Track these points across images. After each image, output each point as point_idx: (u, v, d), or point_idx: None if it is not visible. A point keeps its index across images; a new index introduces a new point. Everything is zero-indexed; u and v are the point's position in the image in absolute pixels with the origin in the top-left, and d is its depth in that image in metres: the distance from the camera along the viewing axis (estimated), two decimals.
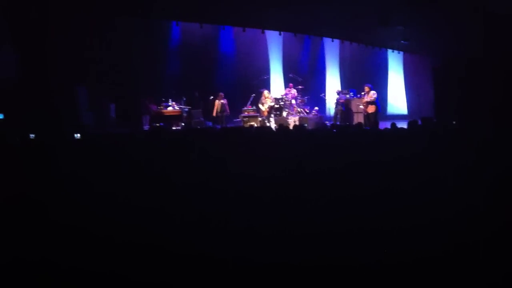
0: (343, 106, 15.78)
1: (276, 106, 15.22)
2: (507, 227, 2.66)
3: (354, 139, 6.18)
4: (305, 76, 17.63)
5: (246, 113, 15.00)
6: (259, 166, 4.00)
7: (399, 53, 21.36)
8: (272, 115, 15.08)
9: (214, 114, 15.05)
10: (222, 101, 15.02)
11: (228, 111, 15.09)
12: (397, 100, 21.49)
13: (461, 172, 3.82)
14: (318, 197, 3.28)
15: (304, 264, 2.42)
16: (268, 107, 15.18)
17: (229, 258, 2.49)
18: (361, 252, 2.51)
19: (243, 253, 2.56)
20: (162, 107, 14.16)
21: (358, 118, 14.73)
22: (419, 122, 8.13)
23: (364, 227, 2.78)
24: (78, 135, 9.20)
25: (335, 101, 16.21)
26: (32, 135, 9.13)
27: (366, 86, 14.17)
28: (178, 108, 14.27)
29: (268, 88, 16.61)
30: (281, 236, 2.71)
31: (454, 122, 9.84)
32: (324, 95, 17.75)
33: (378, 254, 2.47)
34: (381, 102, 15.84)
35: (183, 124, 14.13)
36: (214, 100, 15.11)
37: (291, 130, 7.84)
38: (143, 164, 4.32)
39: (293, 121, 14.53)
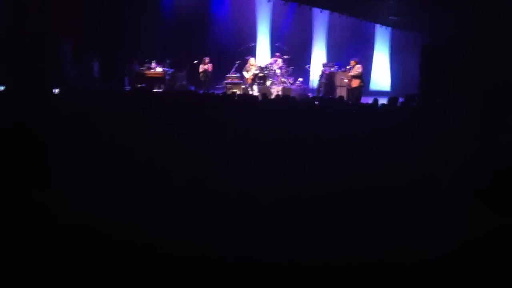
0: (327, 79, 15.75)
1: (261, 74, 15.10)
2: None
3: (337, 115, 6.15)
4: (292, 46, 17.44)
5: (229, 79, 14.89)
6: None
7: (386, 28, 21.26)
8: (256, 84, 14.97)
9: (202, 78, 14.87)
10: (205, 66, 14.82)
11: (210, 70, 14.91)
12: (381, 76, 21.51)
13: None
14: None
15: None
16: (252, 75, 15.05)
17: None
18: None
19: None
20: (144, 68, 13.95)
21: (341, 92, 14.72)
22: (400, 100, 8.19)
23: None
24: (57, 90, 8.97)
25: (320, 73, 16.16)
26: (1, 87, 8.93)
27: (353, 60, 14.09)
28: (161, 70, 14.07)
29: (254, 56, 16.43)
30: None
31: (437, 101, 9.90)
32: (309, 67, 17.65)
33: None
34: (365, 77, 15.80)
35: (167, 85, 13.98)
36: (198, 64, 14.92)
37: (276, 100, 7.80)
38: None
39: (276, 91, 14.47)
